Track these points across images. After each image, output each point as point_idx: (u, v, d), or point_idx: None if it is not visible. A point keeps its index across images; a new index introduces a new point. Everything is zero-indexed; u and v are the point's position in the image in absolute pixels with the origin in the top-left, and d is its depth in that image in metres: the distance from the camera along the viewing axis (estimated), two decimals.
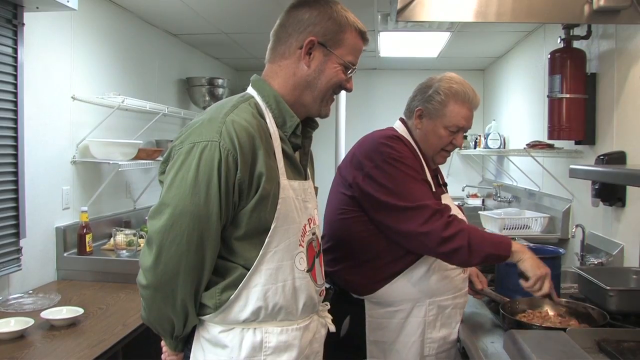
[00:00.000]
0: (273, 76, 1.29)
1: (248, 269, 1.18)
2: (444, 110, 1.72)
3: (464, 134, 1.99)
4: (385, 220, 1.62)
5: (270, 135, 1.21)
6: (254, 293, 1.18)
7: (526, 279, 1.58)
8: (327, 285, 1.38)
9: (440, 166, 1.89)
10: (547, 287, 1.57)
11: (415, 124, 1.76)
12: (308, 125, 1.36)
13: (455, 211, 1.76)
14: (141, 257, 1.17)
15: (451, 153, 1.86)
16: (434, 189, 1.72)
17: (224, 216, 1.15)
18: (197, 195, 1.12)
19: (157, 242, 1.13)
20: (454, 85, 1.72)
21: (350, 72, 1.31)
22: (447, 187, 1.97)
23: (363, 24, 1.32)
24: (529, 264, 1.56)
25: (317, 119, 1.38)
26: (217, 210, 1.13)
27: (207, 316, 1.20)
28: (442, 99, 1.71)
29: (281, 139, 1.24)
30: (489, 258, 1.59)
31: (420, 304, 1.69)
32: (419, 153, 1.75)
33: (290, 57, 1.26)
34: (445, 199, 1.78)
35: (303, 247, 1.25)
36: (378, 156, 1.65)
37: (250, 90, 1.29)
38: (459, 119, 1.73)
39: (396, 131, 1.77)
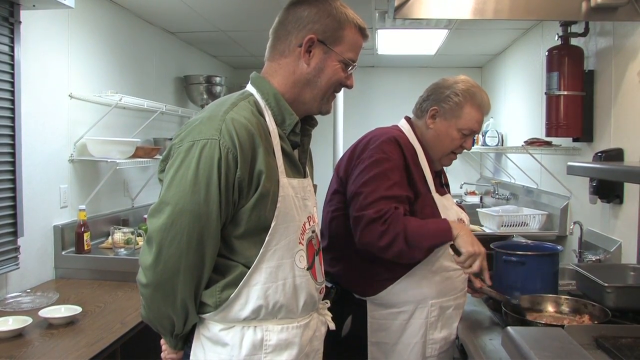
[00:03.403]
0: (273, 74, 1.28)
1: (248, 267, 1.18)
2: (460, 112, 1.71)
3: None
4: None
5: (269, 133, 1.21)
6: (254, 291, 1.18)
7: (459, 254, 1.58)
8: (329, 285, 1.38)
9: None
10: (476, 265, 1.56)
11: (428, 123, 1.75)
12: (307, 123, 1.35)
13: (454, 212, 1.77)
14: (141, 255, 1.17)
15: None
16: (434, 192, 1.72)
17: (224, 214, 1.15)
18: (197, 193, 1.12)
19: (157, 240, 1.13)
20: (471, 88, 1.73)
21: (351, 69, 1.31)
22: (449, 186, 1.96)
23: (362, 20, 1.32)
24: (463, 240, 1.56)
25: (316, 117, 1.38)
26: (217, 208, 1.13)
27: (208, 314, 1.20)
28: (459, 100, 1.71)
29: (280, 137, 1.24)
30: (433, 248, 1.62)
31: (423, 306, 1.69)
32: (422, 154, 1.74)
33: (290, 55, 1.26)
34: (446, 200, 1.79)
35: (303, 245, 1.25)
36: (367, 154, 1.66)
37: (250, 87, 1.29)
38: (473, 122, 1.73)
39: (400, 130, 1.76)
